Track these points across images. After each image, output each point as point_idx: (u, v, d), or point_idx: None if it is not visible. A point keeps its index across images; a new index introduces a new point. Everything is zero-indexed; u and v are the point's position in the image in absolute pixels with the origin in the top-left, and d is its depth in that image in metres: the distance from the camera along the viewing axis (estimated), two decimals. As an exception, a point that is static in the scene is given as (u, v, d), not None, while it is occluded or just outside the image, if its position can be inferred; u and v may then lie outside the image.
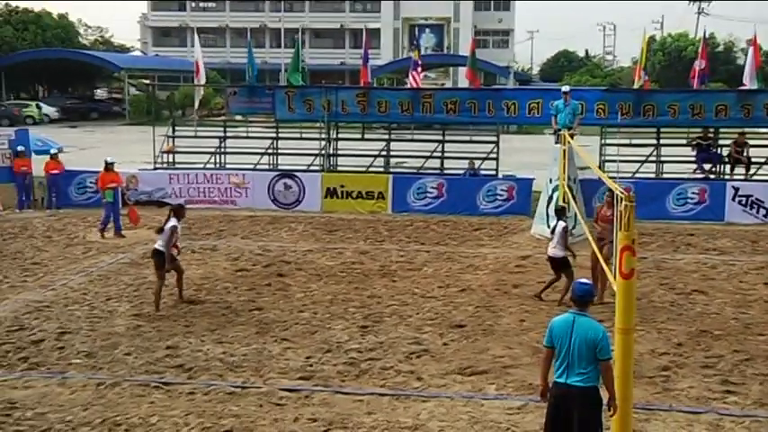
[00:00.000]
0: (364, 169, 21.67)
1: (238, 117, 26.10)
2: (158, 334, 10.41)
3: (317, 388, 8.63)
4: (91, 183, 19.99)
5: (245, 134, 24.15)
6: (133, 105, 54.72)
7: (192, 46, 33.80)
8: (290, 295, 12.35)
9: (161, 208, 20.22)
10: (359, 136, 23.21)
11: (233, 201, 20.66)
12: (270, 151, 22.25)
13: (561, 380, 6.18)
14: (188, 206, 20.11)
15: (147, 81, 55.88)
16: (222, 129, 23.34)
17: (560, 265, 11.87)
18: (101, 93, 68.05)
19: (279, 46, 66.55)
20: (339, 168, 21.88)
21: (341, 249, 15.69)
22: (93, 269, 14.09)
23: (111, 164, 17.56)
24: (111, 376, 8.93)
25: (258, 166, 21.73)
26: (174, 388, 8.63)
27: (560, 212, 12.29)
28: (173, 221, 11.68)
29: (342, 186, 20.34)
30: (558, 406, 6.21)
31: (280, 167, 21.70)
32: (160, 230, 11.71)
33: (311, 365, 9.29)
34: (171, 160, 22.20)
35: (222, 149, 22.39)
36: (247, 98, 22.49)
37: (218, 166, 21.99)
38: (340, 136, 22.67)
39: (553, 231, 12.10)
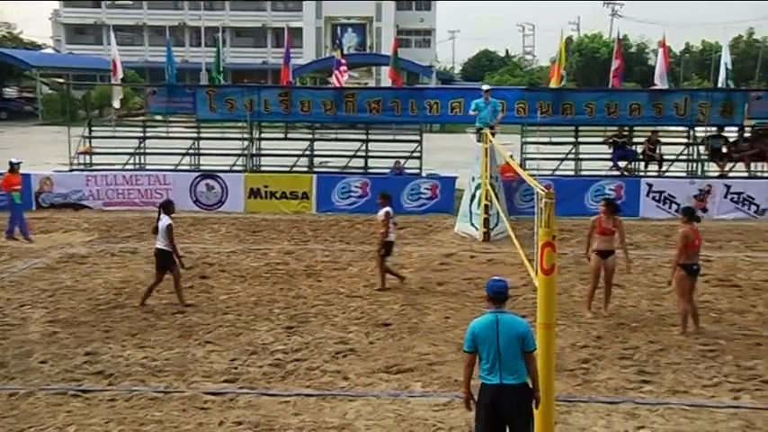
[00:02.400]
0: (288, 169, 21.55)
1: (158, 117, 25.55)
2: (76, 340, 10.09)
3: (242, 390, 8.52)
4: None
5: (165, 134, 23.65)
6: (46, 105, 52.88)
7: (109, 44, 32.86)
8: (214, 297, 12.17)
9: (78, 211, 19.67)
10: (282, 136, 23.05)
11: (153, 202, 20.12)
12: (191, 151, 21.89)
13: (494, 381, 6.10)
14: (106, 209, 19.85)
15: (61, 80, 54.07)
16: (141, 129, 22.82)
17: None
18: (10, 92, 65.39)
19: (199, 45, 65.38)
20: (262, 168, 21.68)
21: (265, 250, 15.55)
22: (5, 275, 13.55)
23: (17, 165, 16.92)
24: (24, 386, 8.61)
25: (179, 167, 21.34)
26: (94, 395, 8.38)
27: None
28: (165, 219, 11.55)
29: (265, 186, 20.17)
30: (492, 408, 6.13)
31: (202, 168, 21.37)
32: (155, 230, 11.63)
33: (236, 368, 9.17)
34: (88, 161, 21.58)
35: (142, 150, 21.88)
36: (167, 98, 22.04)
37: (137, 167, 21.48)
38: (263, 136, 22.48)
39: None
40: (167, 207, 11.84)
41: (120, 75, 23.62)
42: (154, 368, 9.13)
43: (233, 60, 66.00)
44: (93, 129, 22.50)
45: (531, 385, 6.19)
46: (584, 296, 11.55)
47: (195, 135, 22.24)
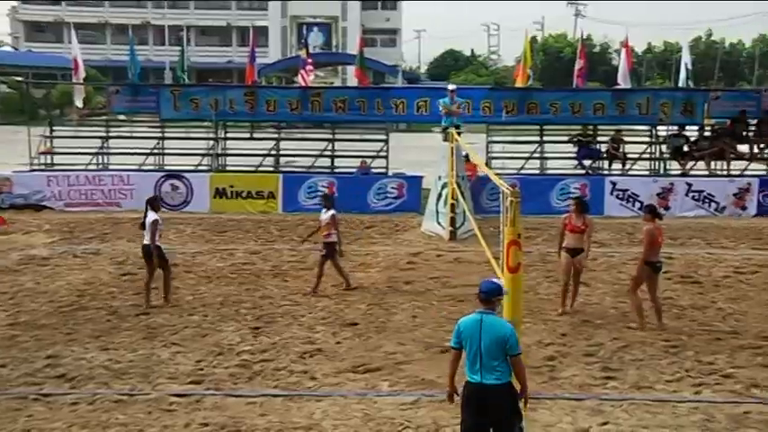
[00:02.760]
0: (254, 169, 21.43)
1: (121, 117, 25.26)
2: (37, 343, 9.93)
3: (208, 392, 8.45)
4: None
5: (128, 134, 23.39)
6: (4, 104, 51.83)
7: (69, 42, 32.33)
8: (179, 298, 12.05)
9: (39, 212, 19.35)
10: (248, 135, 22.93)
11: (117, 203, 19.99)
12: (156, 151, 21.68)
13: (476, 379, 6.16)
14: (68, 209, 19.55)
15: (20, 78, 53.09)
16: (104, 128, 22.52)
17: None
18: (-35, 90, 63.99)
19: (163, 43, 64.83)
20: (228, 168, 21.56)
21: (231, 250, 15.45)
22: (-36, 278, 13.29)
23: None
24: (-15, 390, 8.44)
25: (144, 167, 21.12)
26: (55, 399, 8.25)
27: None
28: (152, 215, 11.53)
29: (231, 186, 20.05)
30: (475, 404, 6.19)
31: (166, 168, 21.18)
32: (142, 226, 11.66)
33: (202, 369, 9.09)
34: (49, 162, 21.25)
35: (105, 150, 21.60)
36: (131, 97, 21.81)
37: (100, 167, 21.20)
38: (228, 135, 22.33)
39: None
40: (153, 203, 11.87)
41: (82, 73, 23.31)
42: (118, 370, 9.02)
43: (197, 59, 65.39)
44: (54, 128, 22.17)
45: (518, 387, 6.19)
46: (558, 294, 11.61)
47: (159, 135, 22.02)
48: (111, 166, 21.22)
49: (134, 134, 23.30)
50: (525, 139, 22.55)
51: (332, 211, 12.29)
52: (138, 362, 9.30)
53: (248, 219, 18.99)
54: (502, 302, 6.39)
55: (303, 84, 22.30)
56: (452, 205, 16.46)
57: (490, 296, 6.21)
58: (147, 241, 11.62)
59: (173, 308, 11.56)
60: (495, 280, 6.47)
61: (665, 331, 10.49)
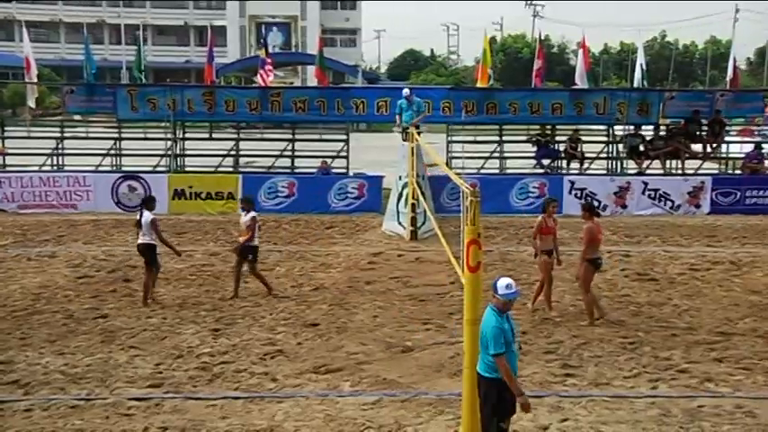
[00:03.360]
0: (213, 169, 21.27)
1: (77, 117, 24.85)
2: (-10, 349, 9.71)
3: (167, 395, 8.35)
4: None
5: (84, 134, 23.00)
6: (-46, 104, 50.58)
7: (21, 40, 31.68)
8: (138, 301, 11.89)
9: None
10: (207, 135, 22.74)
11: (73, 204, 19.67)
12: (113, 152, 21.38)
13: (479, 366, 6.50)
14: (22, 212, 19.17)
15: (-30, 77, 51.91)
16: (59, 129, 22.12)
17: None
18: None
19: (119, 43, 63.68)
20: (187, 169, 21.37)
21: (190, 252, 15.28)
22: None
23: None
24: (-65, 398, 8.23)
25: (100, 168, 20.83)
26: (8, 406, 8.06)
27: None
28: (147, 214, 11.69)
29: (190, 187, 19.88)
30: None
31: (124, 169, 20.91)
32: (138, 224, 11.78)
33: (161, 372, 8.98)
34: (1, 163, 20.82)
35: (60, 150, 21.23)
36: (86, 97, 21.48)
37: (55, 168, 20.83)
38: (187, 136, 22.12)
39: None
40: (148, 202, 12.00)
41: (35, 72, 22.87)
42: (74, 375, 8.86)
43: (155, 59, 64.56)
44: (5, 129, 21.74)
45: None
46: (543, 297, 11.63)
47: (116, 135, 21.72)
48: (66, 168, 20.86)
49: (90, 135, 22.94)
50: (485, 138, 22.72)
51: (252, 214, 12.12)
52: (96, 366, 9.15)
53: (207, 220, 18.83)
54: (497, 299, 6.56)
55: (262, 84, 22.17)
56: (413, 205, 16.52)
57: (494, 287, 6.52)
58: (144, 240, 11.74)
59: (131, 310, 11.40)
60: (505, 278, 6.65)
61: (622, 328, 10.65)
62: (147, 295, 11.78)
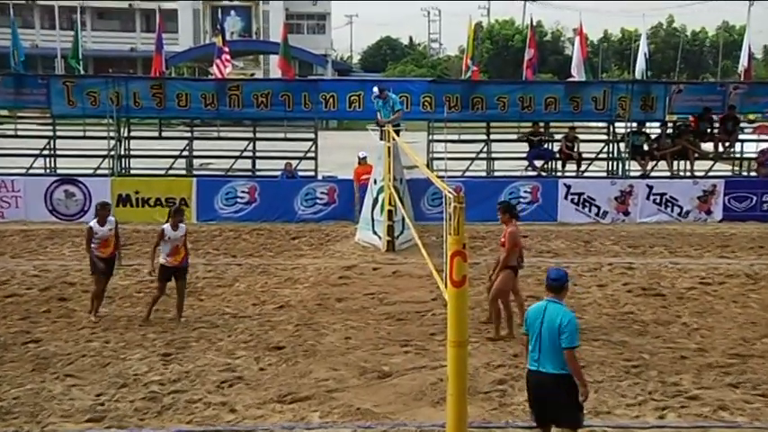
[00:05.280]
0: (163, 172, 21.16)
1: (4, 112, 24.62)
2: None
3: (109, 431, 8.27)
4: None
5: (12, 132, 22.77)
6: None
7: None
8: (76, 323, 11.79)
9: None
10: (156, 134, 22.62)
11: (0, 212, 19.46)
12: (46, 153, 21.20)
13: (533, 367, 6.98)
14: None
15: None
16: (-17, 126, 21.92)
17: None
18: None
19: (52, 27, 63.14)
20: (133, 172, 21.27)
21: (137, 266, 15.19)
22: None
23: None
24: None
25: (32, 171, 20.63)
26: (-73, 445, 7.96)
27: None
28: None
29: (136, 193, 19.78)
30: (533, 393, 7.08)
31: (59, 172, 20.74)
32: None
33: (102, 404, 8.89)
34: None
35: (-16, 151, 21.03)
36: (14, 89, 21.30)
37: (-22, 170, 20.62)
38: (133, 134, 22.01)
39: None
40: (99, 210, 12.21)
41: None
42: (0, 410, 8.75)
43: (95, 46, 64.19)
44: None
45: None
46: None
47: (50, 134, 21.54)
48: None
49: (19, 133, 22.70)
50: (470, 137, 22.83)
51: (185, 227, 12.17)
52: (26, 398, 9.04)
53: (157, 229, 18.59)
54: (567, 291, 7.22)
55: (219, 75, 22.12)
56: (390, 212, 16.54)
57: (555, 282, 7.05)
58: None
59: (67, 333, 11.30)
60: (559, 268, 7.36)
61: (625, 349, 10.72)
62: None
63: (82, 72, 24.40)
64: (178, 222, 11.99)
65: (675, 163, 22.04)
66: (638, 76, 24.64)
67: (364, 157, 19.80)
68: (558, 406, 6.92)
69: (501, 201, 12.93)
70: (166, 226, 11.88)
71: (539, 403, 7.05)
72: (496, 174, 21.86)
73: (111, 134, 20.82)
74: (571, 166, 21.99)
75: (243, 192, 19.95)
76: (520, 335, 8.66)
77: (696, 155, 21.94)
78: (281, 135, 22.87)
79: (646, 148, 21.92)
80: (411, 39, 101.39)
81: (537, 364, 6.93)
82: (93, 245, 11.99)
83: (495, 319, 11.23)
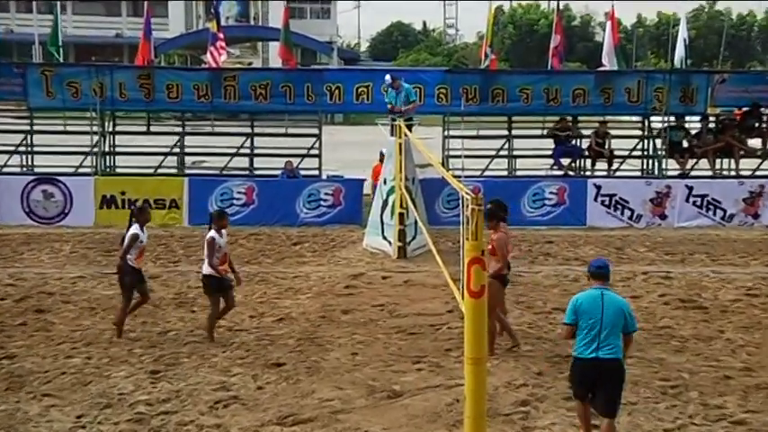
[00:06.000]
0: (152, 171, 21.21)
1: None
2: None
3: (92, 456, 8.31)
4: None
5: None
6: None
7: None
8: (54, 336, 11.83)
9: None
10: (144, 129, 22.68)
11: (-29, 214, 19.57)
12: (22, 149, 21.29)
13: (590, 355, 7.77)
14: None
15: None
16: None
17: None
18: None
19: (30, 10, 63.43)
20: (118, 171, 21.31)
21: (122, 274, 15.22)
22: None
23: None
24: None
25: (6, 169, 20.73)
26: None
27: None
28: (133, 228, 11.79)
29: (122, 194, 19.84)
30: (588, 381, 7.90)
31: (37, 170, 20.82)
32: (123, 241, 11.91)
33: (84, 426, 8.92)
34: None
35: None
36: (-13, 79, 21.40)
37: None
38: (118, 129, 22.06)
39: None
40: (139, 213, 12.07)
41: None
42: (-28, 432, 8.80)
43: (76, 32, 64.42)
44: None
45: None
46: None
47: (27, 128, 21.61)
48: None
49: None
50: (490, 133, 22.80)
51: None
52: None
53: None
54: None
55: (213, 64, 22.19)
56: (401, 215, 16.54)
57: (603, 270, 8.05)
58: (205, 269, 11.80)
59: (45, 348, 11.33)
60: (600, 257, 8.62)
61: (662, 368, 10.69)
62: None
63: (62, 60, 24.47)
64: (222, 227, 11.94)
65: (718, 161, 21.97)
66: (676, 64, 24.59)
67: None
68: (609, 395, 7.82)
69: (492, 200, 12.78)
70: (214, 234, 11.70)
71: (588, 388, 7.94)
72: (519, 173, 21.85)
73: (95, 129, 20.87)
74: (602, 165, 21.95)
75: (239, 193, 19.99)
76: (560, 324, 9.49)
77: (742, 152, 21.84)
78: (282, 130, 22.89)
79: (685, 144, 21.87)
80: (425, 24, 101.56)
81: (595, 352, 7.73)
82: (130, 255, 11.79)
83: (507, 331, 11.22)
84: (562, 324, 8.60)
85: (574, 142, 22.15)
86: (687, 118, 22.28)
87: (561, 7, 25.22)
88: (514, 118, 22.30)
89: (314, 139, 21.15)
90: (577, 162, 22.12)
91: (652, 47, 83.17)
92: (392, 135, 17.49)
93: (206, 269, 11.77)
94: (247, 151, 21.80)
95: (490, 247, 10.95)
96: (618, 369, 7.83)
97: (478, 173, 20.81)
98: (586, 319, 7.79)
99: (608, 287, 7.98)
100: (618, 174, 21.86)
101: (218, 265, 11.73)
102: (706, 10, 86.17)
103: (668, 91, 21.15)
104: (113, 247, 17.36)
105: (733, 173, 21.75)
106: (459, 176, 16.91)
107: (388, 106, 18.43)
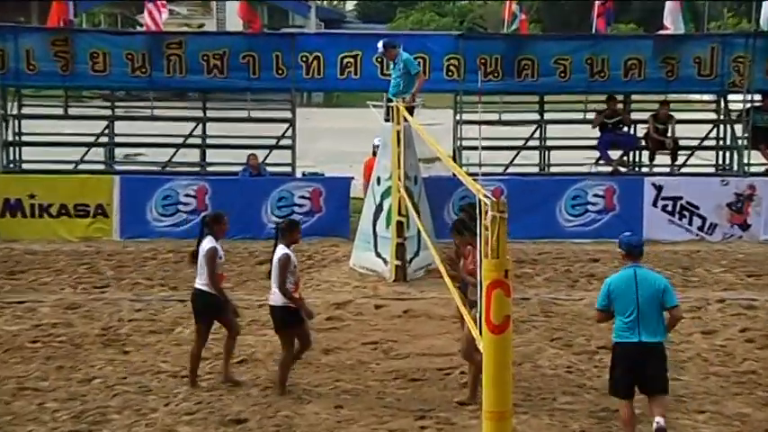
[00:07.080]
0: (71, 167, 21.20)
1: None
2: None
3: None
4: None
5: None
6: None
7: None
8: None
9: None
10: (60, 112, 22.68)
11: None
12: None
13: (633, 339, 9.02)
14: None
15: None
16: None
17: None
18: None
19: None
20: (26, 167, 21.31)
21: (31, 304, 15.24)
22: None
23: None
24: None
25: None
26: None
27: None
28: (208, 241, 11.87)
29: (31, 197, 19.84)
30: (633, 366, 9.07)
31: None
32: (193, 257, 12.04)
33: None
34: None
35: None
36: None
37: None
38: (25, 112, 22.04)
39: None
40: (213, 222, 12.14)
41: None
42: None
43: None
44: None
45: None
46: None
47: None
48: None
49: None
50: (516, 117, 22.83)
51: None
52: None
53: (63, 249, 18.77)
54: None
55: (152, 27, 22.17)
56: (400, 225, 16.54)
57: (637, 248, 9.33)
58: (201, 285, 11.77)
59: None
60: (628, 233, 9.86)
61: (745, 424, 10.69)
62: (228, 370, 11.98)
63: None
64: (293, 242, 11.86)
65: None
66: (762, 26, 24.50)
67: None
68: (657, 375, 9.09)
69: (461, 206, 12.82)
70: (288, 251, 11.52)
71: (635, 374, 9.06)
72: (553, 170, 21.89)
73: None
74: (663, 159, 21.99)
75: (187, 196, 19.96)
76: (594, 309, 10.09)
77: None
78: (243, 114, 22.89)
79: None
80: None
81: (637, 336, 8.97)
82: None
83: (473, 378, 10.77)
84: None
85: (626, 129, 22.19)
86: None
87: (609, -48, 25.04)
88: (548, 98, 22.32)
89: (286, 125, 21.16)
90: (631, 155, 22.14)
91: (730, 4, 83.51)
92: (388, 120, 17.49)
93: (278, 299, 11.54)
94: (198, 141, 21.80)
95: (471, 266, 10.77)
96: (658, 353, 9.14)
97: (500, 169, 20.84)
98: (622, 303, 9.08)
99: (641, 265, 9.25)
100: (684, 170, 21.89)
101: (294, 291, 11.60)
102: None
103: (752, 61, 21.16)
104: (21, 268, 17.42)
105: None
106: (476, 175, 16.90)
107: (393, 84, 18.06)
